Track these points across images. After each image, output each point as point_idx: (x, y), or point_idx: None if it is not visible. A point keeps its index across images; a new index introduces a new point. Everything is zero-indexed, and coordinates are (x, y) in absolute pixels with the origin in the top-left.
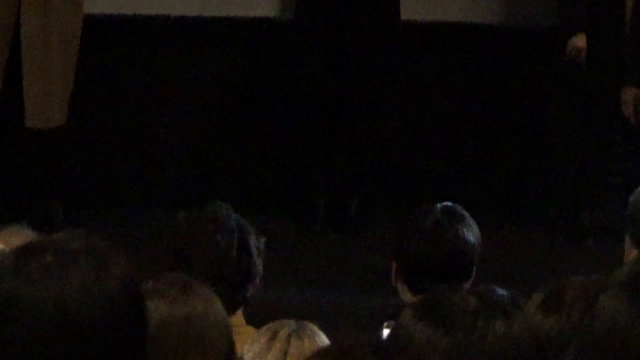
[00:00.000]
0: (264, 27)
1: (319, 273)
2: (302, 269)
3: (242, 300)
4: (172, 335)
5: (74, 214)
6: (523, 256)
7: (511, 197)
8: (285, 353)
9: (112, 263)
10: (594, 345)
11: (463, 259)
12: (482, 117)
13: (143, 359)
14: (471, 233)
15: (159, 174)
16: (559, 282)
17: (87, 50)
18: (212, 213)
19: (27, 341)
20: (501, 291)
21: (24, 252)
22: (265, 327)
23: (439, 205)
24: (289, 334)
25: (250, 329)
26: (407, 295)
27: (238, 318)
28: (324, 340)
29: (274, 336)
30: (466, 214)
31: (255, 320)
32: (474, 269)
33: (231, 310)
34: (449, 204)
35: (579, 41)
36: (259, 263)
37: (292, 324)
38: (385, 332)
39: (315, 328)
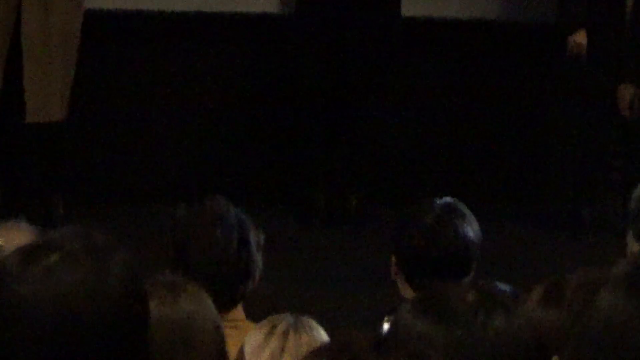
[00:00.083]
0: (264, 22)
1: (319, 268)
2: (302, 264)
3: (242, 295)
4: (161, 336)
5: (73, 209)
6: (523, 251)
7: (511, 193)
8: (283, 347)
9: (113, 262)
10: (591, 340)
11: (463, 254)
12: (482, 112)
13: (145, 356)
14: (471, 229)
15: (159, 169)
16: (559, 277)
17: (88, 46)
18: (212, 208)
19: (31, 342)
20: (502, 286)
21: (28, 253)
22: (262, 322)
23: (438, 200)
24: (287, 329)
25: (250, 324)
26: (406, 290)
27: (238, 313)
28: (322, 334)
29: (271, 331)
30: (466, 209)
31: (256, 315)
32: (474, 264)
33: (231, 305)
34: (449, 199)
35: (579, 37)
36: (258, 258)
37: (289, 318)
38: (386, 326)
39: (313, 322)
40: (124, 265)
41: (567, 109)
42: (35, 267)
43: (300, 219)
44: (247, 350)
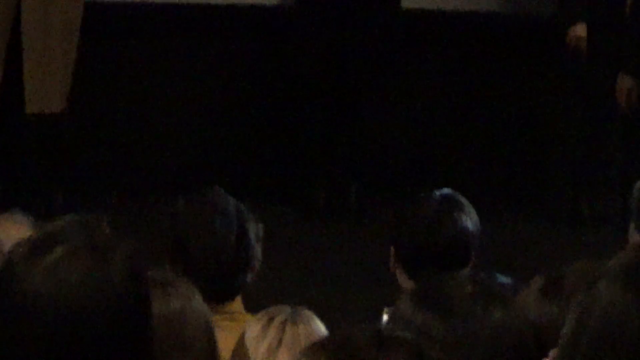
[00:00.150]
0: (265, 14)
1: (319, 261)
2: (301, 257)
3: (241, 287)
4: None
5: (73, 200)
6: (522, 244)
7: (511, 185)
8: (280, 339)
9: (115, 255)
10: (588, 332)
11: (462, 245)
12: (481, 106)
13: (149, 349)
14: (470, 219)
15: (159, 161)
16: (558, 269)
17: (88, 36)
18: (212, 200)
19: (38, 335)
20: (501, 278)
21: (32, 248)
22: (260, 314)
23: (437, 192)
24: (284, 320)
25: (248, 316)
26: (405, 282)
27: (236, 305)
28: (319, 326)
29: (268, 323)
30: (465, 201)
31: (254, 308)
32: (472, 255)
33: (229, 296)
34: (448, 190)
35: (580, 30)
36: (257, 250)
37: (287, 309)
38: (385, 319)
39: (311, 314)
40: (127, 258)
41: (567, 102)
42: (41, 262)
43: (300, 211)
44: (248, 338)
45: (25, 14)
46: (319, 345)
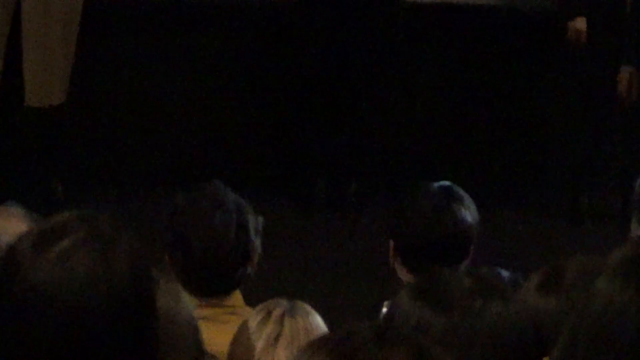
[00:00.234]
0: (267, 7)
1: (319, 254)
2: (301, 250)
3: (240, 280)
4: None
5: (73, 192)
6: (522, 238)
7: (510, 180)
8: (279, 333)
9: (119, 247)
10: (588, 327)
11: (461, 239)
12: (481, 99)
13: (154, 342)
14: (469, 212)
15: (159, 153)
16: (557, 263)
17: (88, 29)
18: (211, 193)
19: (45, 326)
20: (502, 272)
21: (38, 240)
22: (258, 307)
23: (436, 185)
24: (282, 314)
25: (248, 310)
26: (404, 275)
27: (236, 298)
28: (317, 319)
29: (267, 316)
30: (464, 193)
31: (254, 301)
32: (471, 248)
33: (229, 290)
34: (447, 183)
35: (579, 24)
36: (257, 243)
37: (285, 303)
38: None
39: (309, 307)
40: (130, 250)
41: (567, 96)
42: (48, 254)
43: (300, 204)
44: (250, 328)
45: (25, 8)
46: (320, 342)
